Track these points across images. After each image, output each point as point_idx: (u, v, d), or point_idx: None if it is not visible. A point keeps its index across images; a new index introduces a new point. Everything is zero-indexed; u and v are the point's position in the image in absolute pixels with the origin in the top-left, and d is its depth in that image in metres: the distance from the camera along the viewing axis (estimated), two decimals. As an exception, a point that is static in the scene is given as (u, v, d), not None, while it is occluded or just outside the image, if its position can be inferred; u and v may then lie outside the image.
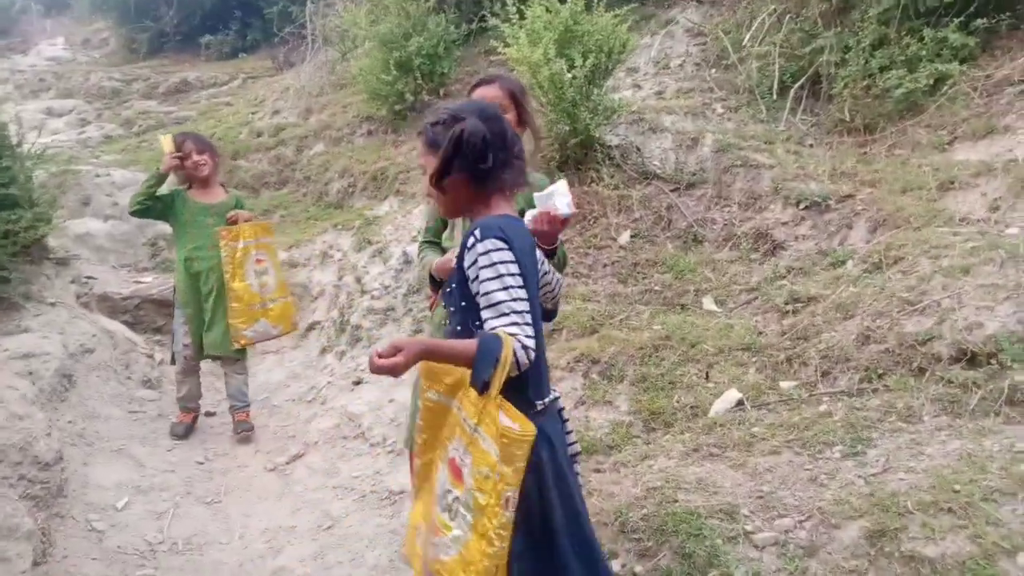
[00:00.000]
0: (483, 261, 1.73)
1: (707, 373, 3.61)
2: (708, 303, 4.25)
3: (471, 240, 1.75)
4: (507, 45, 5.31)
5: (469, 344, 1.66)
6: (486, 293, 1.73)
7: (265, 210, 7.29)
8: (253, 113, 9.47)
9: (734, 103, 6.09)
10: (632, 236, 4.90)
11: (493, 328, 1.69)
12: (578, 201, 5.18)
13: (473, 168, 1.81)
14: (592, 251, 4.87)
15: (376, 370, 1.63)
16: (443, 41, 7.45)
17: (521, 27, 5.22)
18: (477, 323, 1.76)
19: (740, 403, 3.31)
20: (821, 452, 2.77)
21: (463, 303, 1.81)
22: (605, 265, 4.77)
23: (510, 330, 1.67)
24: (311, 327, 5.58)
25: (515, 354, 1.64)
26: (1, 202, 4.60)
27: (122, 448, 3.88)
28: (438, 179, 1.85)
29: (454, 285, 1.85)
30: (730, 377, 3.52)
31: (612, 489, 2.98)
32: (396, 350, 1.63)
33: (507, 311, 1.70)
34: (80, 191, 7.46)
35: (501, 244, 1.72)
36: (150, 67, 13.13)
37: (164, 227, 7.43)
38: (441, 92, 7.61)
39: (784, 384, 3.37)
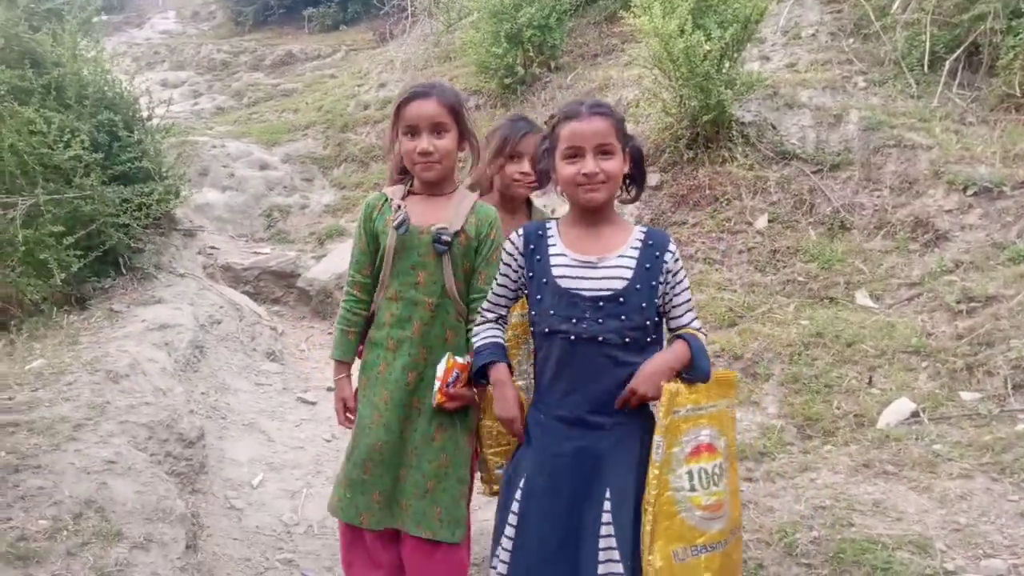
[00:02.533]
0: (681, 264, 1.88)
1: (870, 377, 3.30)
2: (862, 297, 3.90)
3: (672, 244, 1.87)
4: (635, 15, 5.01)
5: (683, 347, 1.82)
6: (690, 296, 1.89)
7: (375, 183, 7.27)
8: (359, 86, 9.47)
9: (878, 76, 5.58)
10: (770, 220, 4.57)
11: (691, 327, 1.86)
12: (710, 182, 4.88)
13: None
14: (726, 235, 4.57)
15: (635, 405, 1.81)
16: (555, 12, 7.18)
17: (653, -5, 4.91)
18: (648, 321, 1.84)
19: (915, 414, 2.99)
20: (1027, 480, 2.45)
21: (643, 304, 1.82)
22: (740, 252, 4.46)
23: (699, 326, 1.89)
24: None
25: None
26: (134, 175, 4.70)
27: (252, 422, 3.91)
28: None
29: (638, 287, 1.81)
30: (898, 384, 3.20)
31: (770, 503, 2.74)
32: (637, 393, 1.78)
33: (696, 313, 1.91)
34: (198, 162, 7.63)
35: None
36: (256, 39, 13.40)
37: (278, 198, 7.62)
38: (552, 65, 7.37)
39: (966, 395, 3.03)
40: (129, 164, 4.59)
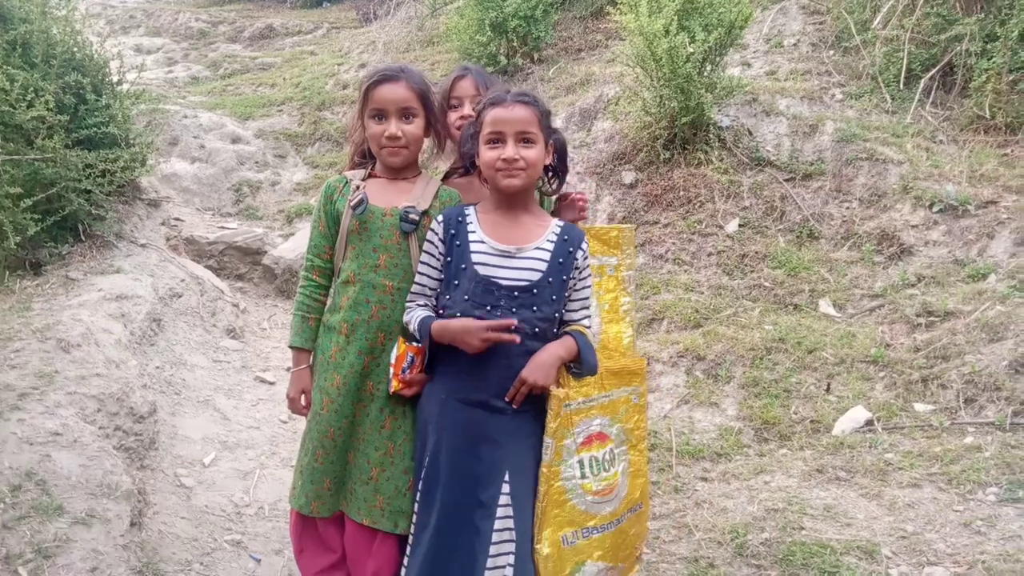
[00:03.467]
0: (588, 263, 1.94)
1: (828, 385, 3.34)
2: (825, 306, 3.95)
3: (584, 242, 1.93)
4: (622, 12, 5.00)
5: (572, 342, 1.87)
6: (588, 295, 1.96)
7: (346, 166, 7.17)
8: (339, 64, 9.33)
9: (855, 90, 5.65)
10: (740, 225, 4.60)
11: (581, 324, 1.93)
12: (684, 184, 4.90)
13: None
14: (696, 237, 4.59)
15: (522, 400, 1.84)
16: (541, 4, 7.14)
17: (640, -7, 4.89)
18: (557, 313, 1.89)
19: (869, 423, 3.04)
20: (972, 492, 2.50)
21: (553, 297, 1.87)
22: (710, 254, 4.49)
23: (589, 324, 1.96)
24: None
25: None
26: (100, 140, 4.56)
27: (208, 399, 3.83)
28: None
29: (550, 280, 1.86)
30: (855, 392, 3.24)
31: (724, 503, 2.77)
32: (527, 382, 1.82)
33: (589, 312, 1.98)
34: (168, 131, 7.44)
35: None
36: (236, 10, 13.14)
37: (248, 173, 7.49)
38: (535, 57, 7.34)
39: (920, 407, 3.09)
40: (95, 128, 4.45)
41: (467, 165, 2.02)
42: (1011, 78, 4.87)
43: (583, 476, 1.89)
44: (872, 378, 3.32)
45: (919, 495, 2.54)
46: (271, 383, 4.25)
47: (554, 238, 1.89)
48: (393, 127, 2.01)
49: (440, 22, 8.77)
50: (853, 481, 2.72)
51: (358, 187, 2.08)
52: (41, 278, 4.10)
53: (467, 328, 1.80)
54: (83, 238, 4.48)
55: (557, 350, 1.84)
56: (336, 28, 11.67)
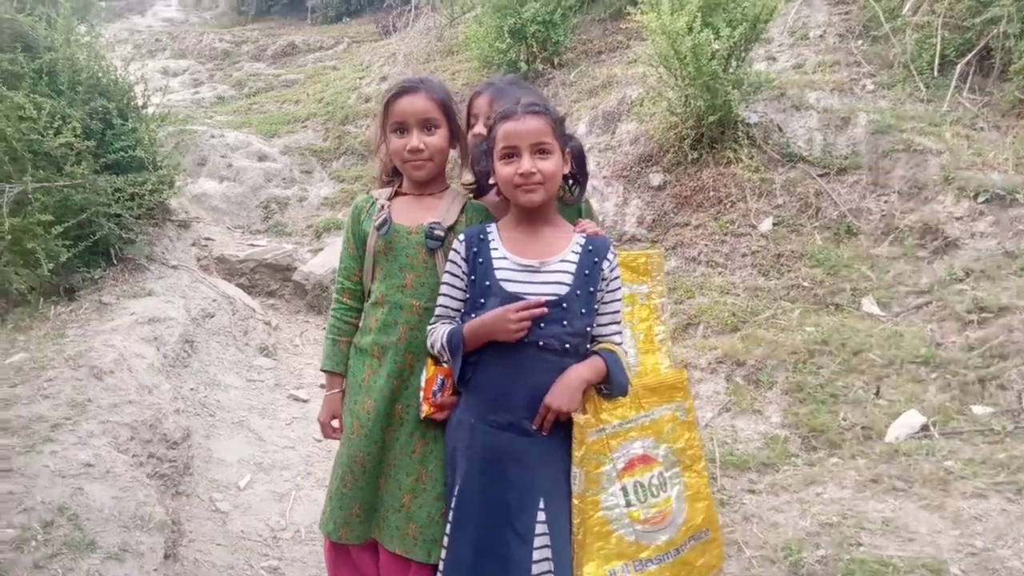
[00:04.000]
0: (617, 274, 1.85)
1: (877, 388, 3.20)
2: (869, 305, 3.80)
3: (611, 252, 1.84)
4: (643, 12, 4.90)
5: (599, 362, 1.79)
6: (617, 309, 1.85)
7: (375, 177, 7.16)
8: (360, 78, 9.36)
9: (887, 79, 5.47)
10: (774, 224, 4.47)
11: (611, 340, 1.83)
12: (714, 183, 4.78)
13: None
14: (729, 238, 4.47)
15: (551, 426, 1.76)
16: (559, 7, 7.07)
17: (662, -8, 4.80)
18: (588, 328, 1.80)
19: (925, 428, 2.90)
20: (1042, 501, 2.36)
21: (583, 311, 1.79)
22: (744, 255, 4.36)
23: (619, 341, 1.85)
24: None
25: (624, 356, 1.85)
26: (127, 164, 4.59)
27: (242, 420, 3.81)
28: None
29: (578, 293, 1.78)
30: (906, 396, 3.10)
31: (775, 517, 2.65)
32: (551, 408, 1.75)
33: (621, 327, 1.88)
34: (196, 151, 7.52)
35: None
36: (258, 29, 13.28)
37: (276, 190, 7.52)
38: (555, 61, 7.26)
39: (978, 410, 2.94)
40: (122, 152, 4.48)
41: (482, 183, 1.96)
42: (1054, 59, 4.68)
43: (628, 504, 1.79)
44: (924, 380, 3.18)
45: (986, 506, 2.40)
46: (304, 401, 4.22)
47: (579, 249, 1.82)
48: (415, 140, 1.95)
49: (459, 31, 8.75)
50: (912, 492, 2.59)
51: (383, 207, 2.04)
52: (75, 303, 4.12)
53: (500, 316, 1.74)
54: (115, 262, 4.50)
55: (583, 372, 1.76)
56: (356, 42, 11.72)
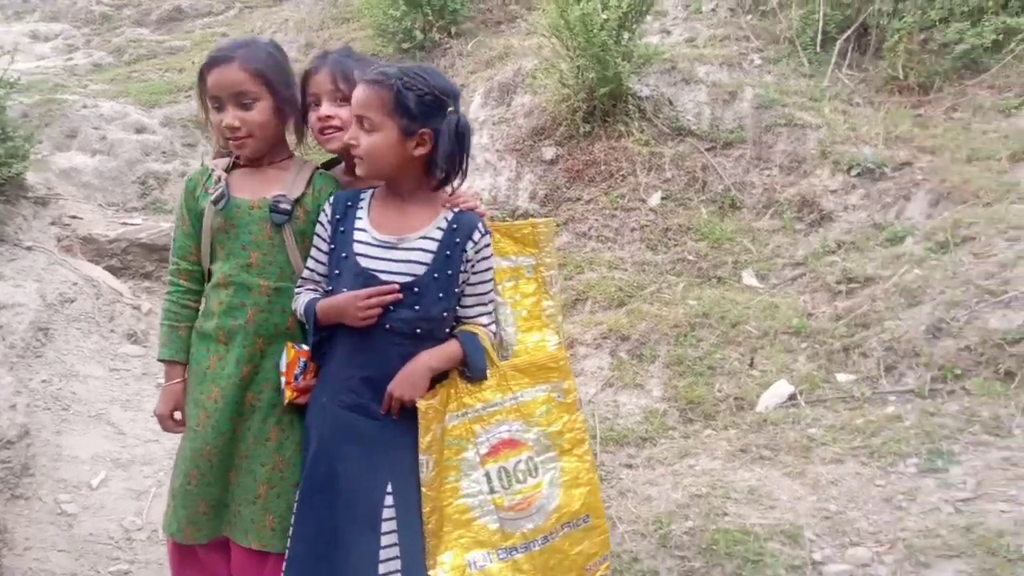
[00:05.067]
0: (486, 254, 1.75)
1: (751, 359, 3.26)
2: (748, 277, 3.87)
3: (477, 232, 1.72)
4: (533, -21, 4.79)
5: (454, 346, 1.72)
6: (486, 291, 1.77)
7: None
8: (250, 45, 8.87)
9: (773, 54, 5.58)
10: (663, 198, 4.49)
11: (476, 321, 1.77)
12: (605, 157, 4.76)
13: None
14: (619, 213, 4.46)
15: (398, 412, 1.69)
16: (457, -26, 6.87)
17: (550, -41, 4.70)
18: (446, 313, 1.72)
19: (792, 397, 2.97)
20: (893, 464, 2.44)
21: (440, 295, 1.70)
22: (633, 229, 4.37)
23: (487, 322, 1.78)
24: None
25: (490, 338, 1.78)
26: (-31, 135, 4.16)
27: (101, 413, 3.53)
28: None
29: (435, 276, 1.69)
30: (778, 365, 3.17)
31: (649, 491, 2.66)
32: (394, 395, 1.67)
33: (492, 307, 1.80)
34: (66, 123, 6.93)
35: None
36: (142, -8, 12.41)
37: (155, 164, 7.04)
38: (453, 31, 7.07)
39: (842, 377, 3.03)
40: (-40, 123, 4.05)
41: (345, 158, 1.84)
42: (922, 37, 4.87)
43: (492, 491, 1.71)
44: (795, 350, 3.26)
45: (842, 471, 2.47)
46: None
47: (443, 226, 1.71)
48: (229, 116, 1.78)
49: (354, -2, 8.41)
50: (777, 460, 2.64)
51: (219, 179, 1.85)
52: (-94, 291, 3.71)
53: (349, 300, 1.65)
54: (-44, 244, 4.09)
55: (429, 360, 1.68)
56: (249, 8, 11.11)
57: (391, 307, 1.66)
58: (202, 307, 1.95)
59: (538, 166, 4.96)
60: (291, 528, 1.77)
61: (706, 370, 3.28)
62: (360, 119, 1.65)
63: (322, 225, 1.77)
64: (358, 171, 1.70)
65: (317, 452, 1.73)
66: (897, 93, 4.92)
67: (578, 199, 4.68)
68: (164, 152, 7.11)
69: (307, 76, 1.89)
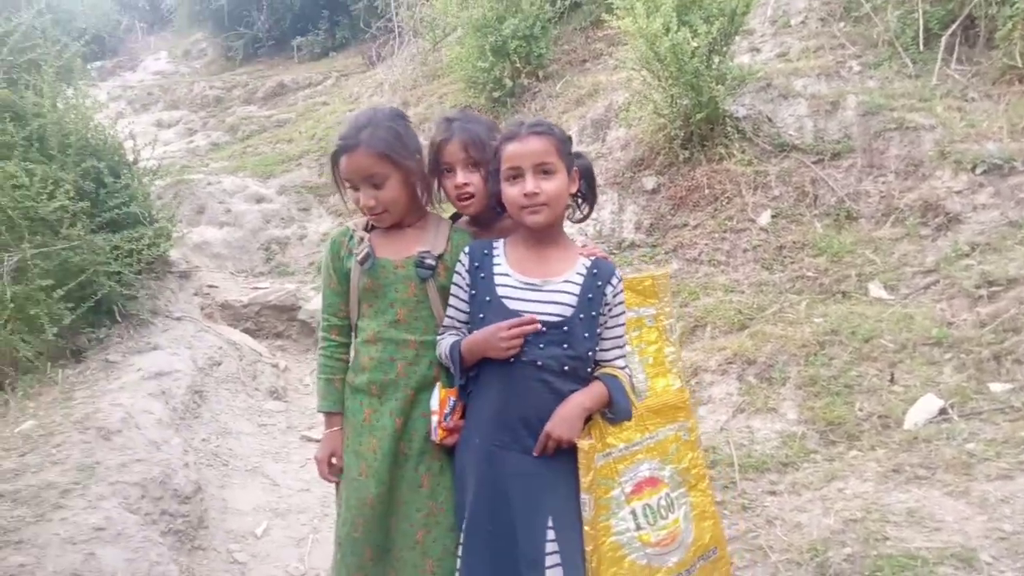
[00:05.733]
0: (621, 299, 1.84)
1: (892, 374, 3.14)
2: (876, 289, 3.74)
3: (615, 278, 1.82)
4: (618, 18, 4.89)
5: (600, 387, 1.78)
6: (621, 333, 1.85)
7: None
8: (350, 110, 9.40)
9: (872, 59, 5.43)
10: (773, 216, 4.42)
11: (614, 364, 1.83)
12: (708, 181, 4.75)
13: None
14: (729, 235, 4.42)
15: (553, 452, 1.74)
16: (538, 21, 7.08)
17: (635, -5, 4.79)
18: (591, 352, 1.79)
19: (943, 411, 2.83)
20: (1070, 476, 2.28)
21: (586, 335, 1.78)
22: (745, 250, 4.32)
23: (622, 365, 1.86)
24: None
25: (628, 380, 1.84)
26: (123, 221, 4.62)
27: (256, 467, 3.79)
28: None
29: (581, 316, 1.77)
30: (922, 379, 3.04)
31: (798, 518, 2.59)
32: (552, 436, 1.73)
33: (626, 351, 1.89)
34: (194, 200, 7.58)
35: None
36: (247, 73, 13.42)
37: (275, 230, 7.55)
38: (540, 74, 7.27)
39: (995, 387, 2.87)
40: (117, 210, 4.51)
41: (495, 206, 1.91)
42: (1039, 22, 4.62)
43: (639, 527, 1.77)
44: (938, 361, 3.11)
45: (1012, 488, 2.33)
46: (317, 440, 4.18)
47: (584, 271, 1.81)
48: (365, 197, 1.90)
49: (442, 54, 8.79)
50: (935, 479, 2.52)
51: (362, 239, 1.98)
52: (82, 364, 4.14)
53: (492, 332, 1.74)
54: (119, 319, 4.52)
55: (583, 400, 1.75)
56: (344, 75, 11.82)
57: (540, 345, 1.73)
58: (351, 361, 2.07)
59: (640, 196, 5.00)
60: (457, 573, 1.84)
61: (843, 389, 3.18)
62: (540, 166, 1.76)
63: (459, 274, 1.88)
64: (539, 218, 1.78)
65: (478, 494, 1.80)
66: (1017, 83, 4.67)
67: (684, 225, 4.68)
68: (282, 218, 7.63)
69: (439, 147, 2.01)
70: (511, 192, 1.78)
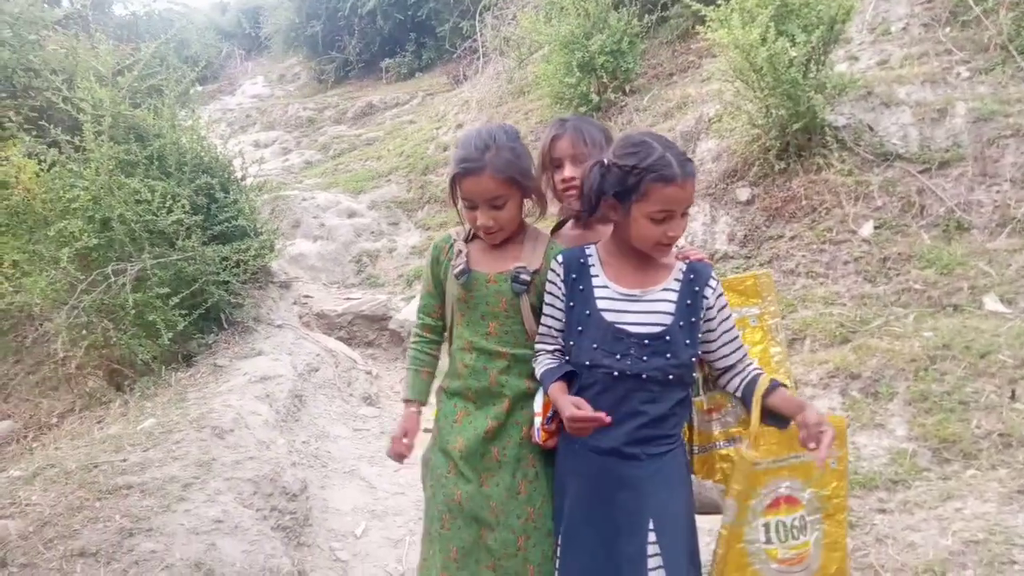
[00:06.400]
0: (724, 300, 1.83)
1: (1012, 391, 2.97)
2: (992, 303, 3.55)
3: (713, 280, 1.81)
4: (712, 29, 4.85)
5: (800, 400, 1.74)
6: (737, 334, 1.84)
7: (458, 222, 7.32)
8: (437, 128, 9.66)
9: (983, 64, 5.17)
10: (876, 227, 4.26)
11: (754, 366, 1.83)
12: (805, 192, 4.63)
13: None
14: (828, 246, 4.29)
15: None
16: (626, 36, 7.09)
17: (729, 7, 4.74)
18: (693, 358, 1.79)
19: (1072, 431, 2.65)
20: None
21: (687, 342, 1.77)
22: (846, 262, 4.17)
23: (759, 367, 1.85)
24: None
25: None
26: (231, 233, 4.89)
27: (353, 469, 3.91)
28: None
29: (681, 324, 1.76)
30: (1047, 396, 2.86)
31: (911, 537, 2.48)
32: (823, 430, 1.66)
33: (746, 348, 1.87)
34: (290, 215, 7.95)
35: None
36: (338, 95, 13.98)
37: (366, 244, 7.81)
38: (627, 89, 7.27)
39: None
40: (226, 223, 4.79)
41: (589, 210, 1.87)
42: None
43: (768, 541, 1.77)
44: (1065, 378, 2.92)
45: None
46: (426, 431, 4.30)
47: (681, 277, 1.80)
48: (483, 217, 1.93)
49: (528, 72, 8.91)
50: (1066, 501, 2.37)
51: (460, 251, 2.02)
52: (192, 368, 4.38)
53: (565, 408, 1.75)
54: (225, 326, 4.77)
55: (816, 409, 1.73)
56: (430, 95, 12.14)
57: (643, 357, 1.73)
58: (448, 367, 2.11)
59: (733, 208, 4.92)
60: (557, 571, 1.86)
61: (957, 405, 3.03)
62: (686, 210, 1.76)
63: (554, 283, 1.88)
64: (668, 252, 1.81)
65: (578, 495, 1.82)
66: None
67: (780, 236, 4.57)
68: (373, 232, 7.89)
69: (551, 143, 2.07)
70: (654, 231, 1.73)
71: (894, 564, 2.38)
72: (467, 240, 2.06)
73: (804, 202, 4.55)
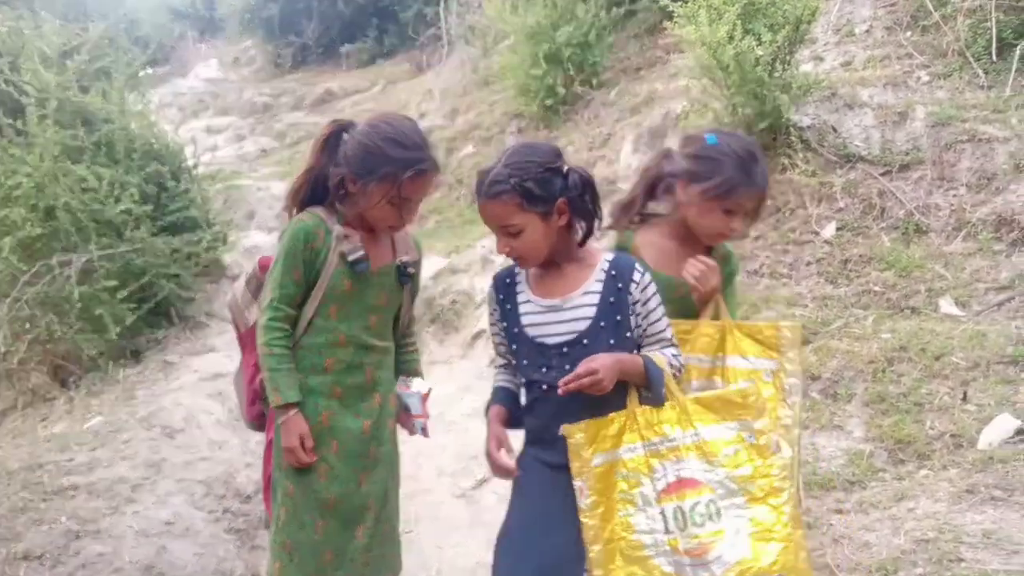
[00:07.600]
0: (651, 291, 1.74)
1: (964, 393, 3.03)
2: (947, 305, 3.62)
3: (636, 272, 1.73)
4: (680, 26, 4.84)
5: (639, 359, 1.69)
6: (663, 327, 1.76)
7: (420, 216, 7.23)
8: (399, 117, 9.50)
9: (942, 68, 5.27)
10: (838, 228, 4.31)
11: (662, 354, 1.74)
12: (770, 192, 4.65)
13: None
14: (791, 247, 4.33)
15: (578, 388, 1.61)
16: (594, 28, 7.05)
17: (697, 4, 4.73)
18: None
19: (1020, 432, 2.72)
20: None
21: (611, 341, 1.70)
22: (808, 263, 4.22)
23: (675, 353, 1.76)
24: (477, 336, 5.39)
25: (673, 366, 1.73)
26: (183, 225, 4.73)
27: (310, 469, 3.82)
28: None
29: (602, 324, 1.71)
30: (997, 398, 2.92)
31: (866, 537, 2.51)
32: (592, 372, 1.61)
33: (674, 342, 1.78)
34: (245, 206, 7.74)
35: None
36: (296, 80, 13.67)
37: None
38: (594, 82, 7.24)
39: (1080, 409, 2.74)
40: (177, 214, 4.63)
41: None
42: (1122, 30, 4.44)
43: (668, 531, 1.62)
44: (1014, 380, 2.99)
45: (1101, 514, 2.22)
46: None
47: (602, 277, 1.73)
48: (501, 244, 1.76)
49: (493, 62, 8.82)
50: (1012, 500, 2.43)
51: (347, 236, 1.88)
52: (141, 364, 4.24)
53: (487, 448, 1.78)
54: (176, 321, 4.62)
55: (618, 356, 1.66)
56: (392, 83, 11.95)
57: (566, 366, 1.66)
58: (305, 362, 1.92)
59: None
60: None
61: (912, 407, 3.08)
62: (503, 229, 1.69)
63: (493, 308, 1.85)
64: (528, 265, 1.78)
65: (521, 506, 1.83)
66: (1095, 94, 4.50)
67: (744, 236, 4.59)
68: (332, 224, 7.73)
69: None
70: (497, 244, 1.74)
71: (849, 564, 2.41)
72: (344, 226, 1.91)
73: (769, 202, 4.57)
